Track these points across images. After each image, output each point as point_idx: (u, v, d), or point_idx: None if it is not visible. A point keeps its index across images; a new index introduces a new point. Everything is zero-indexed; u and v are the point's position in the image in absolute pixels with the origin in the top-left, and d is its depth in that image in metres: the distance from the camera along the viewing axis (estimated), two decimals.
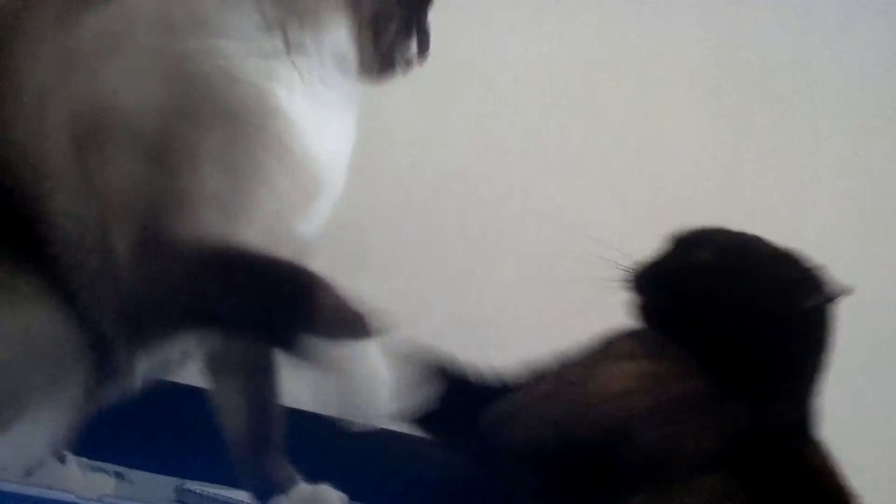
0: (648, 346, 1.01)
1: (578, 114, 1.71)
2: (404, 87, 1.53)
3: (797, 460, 0.96)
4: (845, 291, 1.01)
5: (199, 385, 1.04)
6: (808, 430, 0.99)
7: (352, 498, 1.04)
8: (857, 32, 1.90)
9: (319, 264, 1.37)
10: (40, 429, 0.87)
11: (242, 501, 1.05)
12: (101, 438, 0.96)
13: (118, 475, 1.16)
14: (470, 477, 1.24)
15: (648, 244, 1.66)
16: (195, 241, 0.83)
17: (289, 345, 0.83)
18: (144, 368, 0.92)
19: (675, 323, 1.01)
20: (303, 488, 1.01)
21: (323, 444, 0.97)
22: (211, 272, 0.83)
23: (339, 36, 0.93)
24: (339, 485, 1.04)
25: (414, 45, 1.00)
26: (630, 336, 1.04)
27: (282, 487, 1.00)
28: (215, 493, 1.13)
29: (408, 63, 1.00)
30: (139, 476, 1.18)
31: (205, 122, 0.85)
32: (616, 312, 1.62)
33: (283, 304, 0.83)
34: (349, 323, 0.83)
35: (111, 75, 0.86)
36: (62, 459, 1.00)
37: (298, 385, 0.94)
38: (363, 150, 1.48)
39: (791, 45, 1.85)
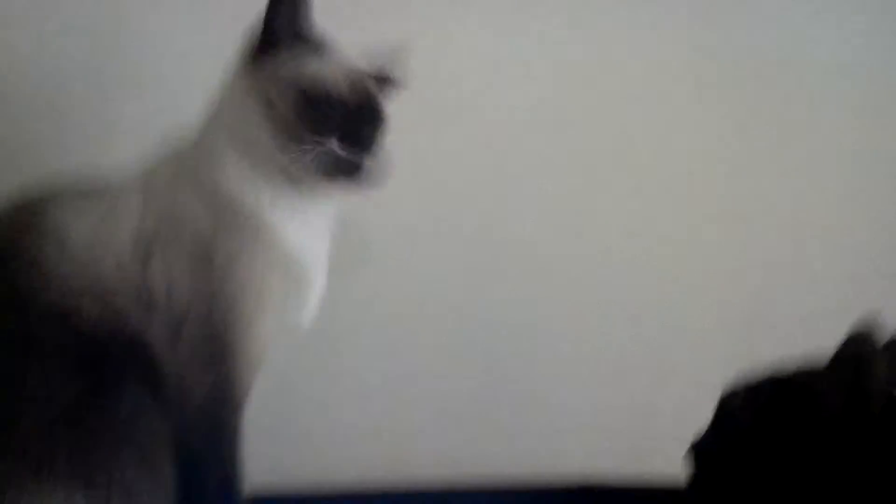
0: None
1: (580, 114, 1.67)
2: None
3: None
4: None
5: None
6: None
7: None
8: (859, 29, 1.90)
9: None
10: None
11: None
12: None
13: None
14: None
15: (651, 245, 1.68)
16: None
17: None
18: None
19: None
20: None
21: None
22: None
23: (279, 161, 1.10)
24: None
25: (329, 148, 1.09)
26: None
27: None
28: None
29: (331, 172, 1.10)
30: None
31: (233, 233, 1.08)
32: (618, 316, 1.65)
33: None
34: None
35: (166, 203, 1.09)
36: None
37: None
38: None
39: (792, 41, 1.84)
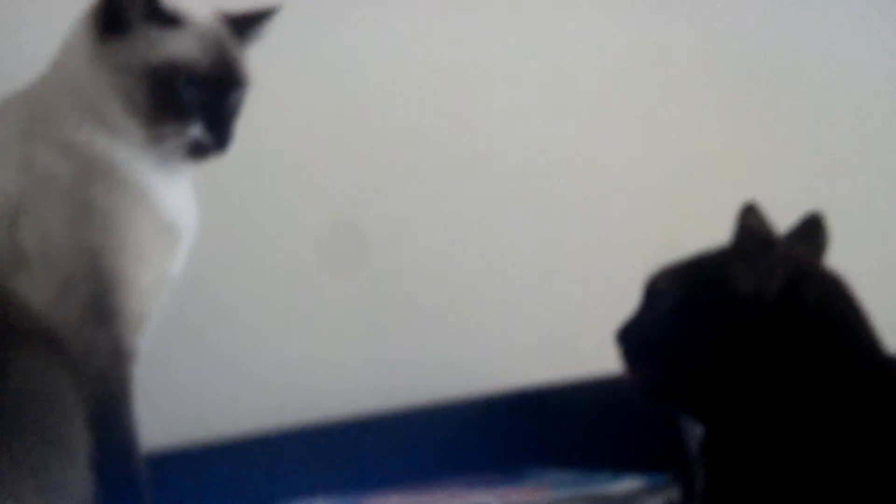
0: None
1: (578, 111, 1.70)
2: (403, 86, 1.54)
3: None
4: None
5: None
6: None
7: None
8: (859, 28, 1.89)
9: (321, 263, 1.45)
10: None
11: None
12: None
13: None
14: None
15: (651, 241, 1.68)
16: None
17: None
18: None
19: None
20: None
21: None
22: None
23: (137, 133, 1.09)
24: None
25: (192, 135, 1.09)
26: None
27: None
28: None
29: (195, 152, 1.10)
30: None
31: (108, 192, 1.06)
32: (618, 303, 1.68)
33: None
34: None
35: (24, 159, 1.06)
36: None
37: None
38: (362, 148, 1.49)
39: (793, 41, 1.85)
